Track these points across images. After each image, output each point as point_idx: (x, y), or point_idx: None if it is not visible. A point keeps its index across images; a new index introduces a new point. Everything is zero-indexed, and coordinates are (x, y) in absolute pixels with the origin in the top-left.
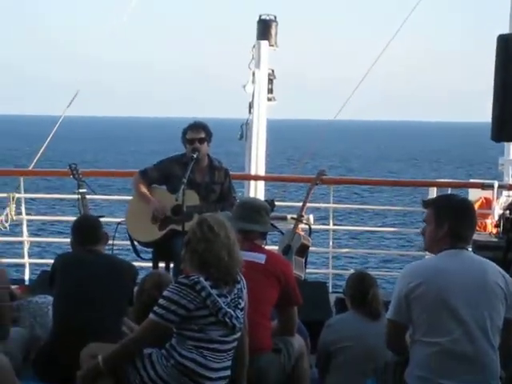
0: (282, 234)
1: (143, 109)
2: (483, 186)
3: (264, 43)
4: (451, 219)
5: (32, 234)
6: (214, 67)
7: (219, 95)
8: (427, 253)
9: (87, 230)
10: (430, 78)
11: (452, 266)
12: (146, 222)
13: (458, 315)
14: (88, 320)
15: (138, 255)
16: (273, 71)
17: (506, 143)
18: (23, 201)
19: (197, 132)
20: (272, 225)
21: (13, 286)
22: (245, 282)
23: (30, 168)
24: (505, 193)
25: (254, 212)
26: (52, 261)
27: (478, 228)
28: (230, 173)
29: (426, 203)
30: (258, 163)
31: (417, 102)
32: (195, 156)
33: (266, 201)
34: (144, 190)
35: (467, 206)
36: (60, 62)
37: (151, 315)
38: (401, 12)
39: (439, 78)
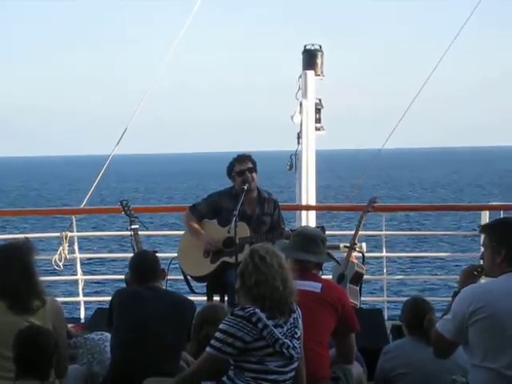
0: (338, 263)
1: (189, 145)
2: None
3: (310, 73)
4: (507, 243)
5: (86, 272)
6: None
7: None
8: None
9: (146, 267)
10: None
11: None
12: (198, 256)
13: None
14: (146, 356)
15: (192, 290)
16: (320, 101)
17: None
18: (76, 239)
19: (244, 163)
20: (328, 254)
21: (69, 325)
22: (300, 312)
23: (82, 206)
24: None
25: (311, 242)
26: (107, 298)
27: None
28: (280, 204)
29: (483, 228)
30: (308, 193)
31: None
32: (246, 187)
33: (316, 227)
34: (195, 225)
35: None
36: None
37: (208, 349)
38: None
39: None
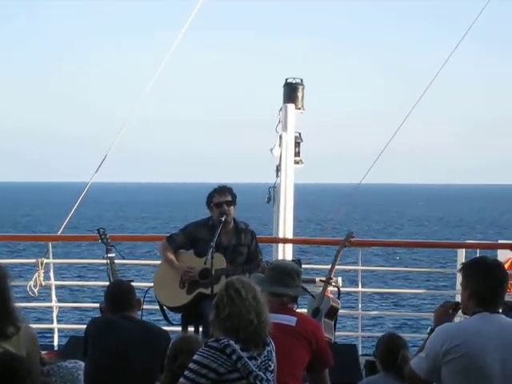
0: (313, 297)
1: (168, 174)
2: None
3: (291, 106)
4: (474, 282)
5: (61, 299)
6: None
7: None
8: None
9: (121, 296)
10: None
11: (485, 329)
12: (173, 287)
13: (490, 380)
14: None
15: (168, 320)
16: (300, 134)
17: None
18: (52, 266)
19: (224, 195)
20: (303, 288)
21: (42, 352)
22: (274, 345)
23: (59, 233)
24: None
25: (286, 275)
26: (81, 326)
27: (508, 290)
28: (258, 236)
29: (460, 267)
30: (285, 226)
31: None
32: (223, 219)
33: (292, 260)
34: (171, 256)
35: (492, 267)
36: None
37: (182, 379)
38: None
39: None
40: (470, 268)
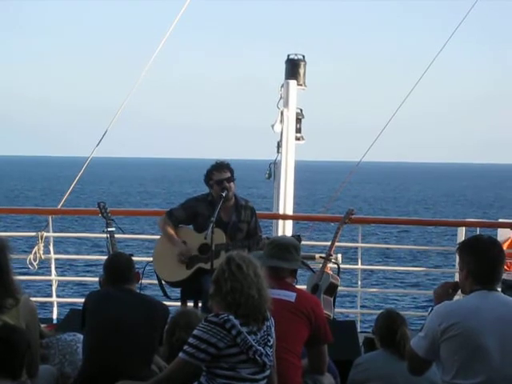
0: (313, 271)
1: (169, 151)
2: None
3: (292, 82)
4: (470, 261)
5: (60, 273)
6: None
7: (246, 136)
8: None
9: (120, 269)
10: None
11: (482, 307)
12: (173, 262)
13: (489, 357)
14: (118, 358)
15: (167, 295)
16: (301, 111)
17: None
18: (52, 240)
19: (223, 172)
20: (303, 262)
21: (41, 325)
22: (273, 320)
23: (59, 207)
24: None
25: (283, 249)
26: (80, 299)
27: (506, 268)
28: (258, 212)
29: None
30: (286, 202)
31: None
32: (224, 194)
33: (292, 236)
34: (170, 231)
35: (488, 246)
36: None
37: (181, 354)
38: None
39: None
40: (465, 247)
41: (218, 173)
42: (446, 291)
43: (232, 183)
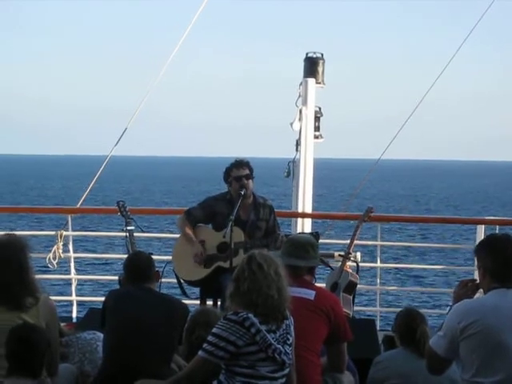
0: (332, 269)
1: (187, 149)
2: None
3: (311, 81)
4: (486, 259)
5: (79, 271)
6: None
7: (264, 134)
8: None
9: (140, 267)
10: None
11: (501, 304)
12: (192, 261)
13: (508, 355)
14: (138, 357)
15: (186, 294)
16: (320, 109)
17: None
18: (71, 238)
19: (242, 169)
20: (321, 260)
21: (61, 324)
22: (292, 318)
23: (78, 206)
24: None
25: (299, 247)
26: (99, 298)
27: None
28: (277, 211)
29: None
30: (305, 201)
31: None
32: (242, 192)
33: (310, 233)
34: (188, 230)
35: (505, 244)
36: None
37: (200, 352)
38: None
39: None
40: (482, 246)
41: (237, 170)
42: (466, 292)
43: (250, 181)
